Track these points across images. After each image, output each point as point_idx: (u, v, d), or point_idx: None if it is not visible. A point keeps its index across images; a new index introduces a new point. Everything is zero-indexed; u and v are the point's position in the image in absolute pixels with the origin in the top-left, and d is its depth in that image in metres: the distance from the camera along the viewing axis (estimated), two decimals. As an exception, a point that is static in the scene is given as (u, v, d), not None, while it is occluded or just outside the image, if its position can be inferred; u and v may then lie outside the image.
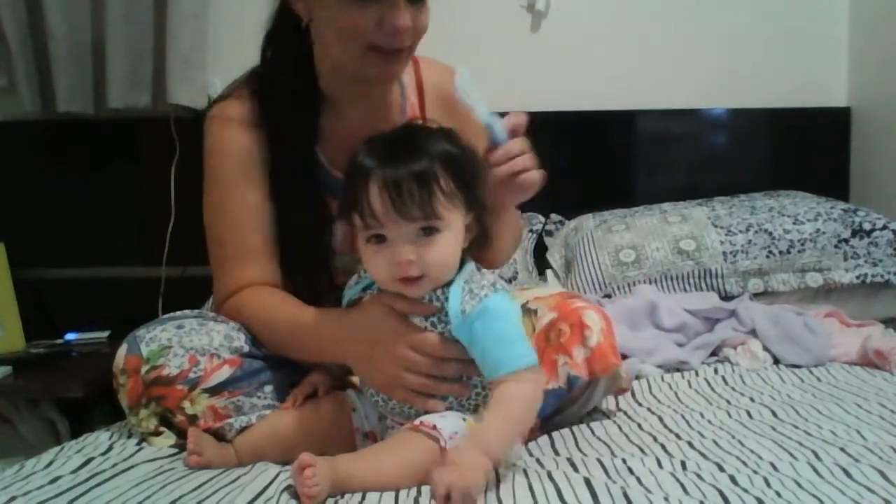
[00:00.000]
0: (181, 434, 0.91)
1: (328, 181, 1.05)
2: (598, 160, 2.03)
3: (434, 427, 0.79)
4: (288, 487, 0.76)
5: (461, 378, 0.85)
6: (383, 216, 0.79)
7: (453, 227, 0.81)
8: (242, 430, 0.92)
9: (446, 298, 0.82)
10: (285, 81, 1.04)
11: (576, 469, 0.81)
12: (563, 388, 0.94)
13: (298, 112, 1.04)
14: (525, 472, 0.80)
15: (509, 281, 1.67)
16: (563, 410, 1.01)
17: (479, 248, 0.87)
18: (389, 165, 0.79)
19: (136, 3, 1.86)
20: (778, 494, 0.70)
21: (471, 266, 0.86)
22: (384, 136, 0.85)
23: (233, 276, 1.03)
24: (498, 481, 0.76)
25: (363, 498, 0.74)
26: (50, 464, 0.87)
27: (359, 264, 0.89)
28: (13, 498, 0.75)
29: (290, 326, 0.94)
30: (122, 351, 0.93)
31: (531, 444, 0.93)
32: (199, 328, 0.95)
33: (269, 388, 0.96)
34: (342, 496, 0.74)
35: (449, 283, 0.83)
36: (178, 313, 1.00)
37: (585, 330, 0.93)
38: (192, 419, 0.91)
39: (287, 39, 1.04)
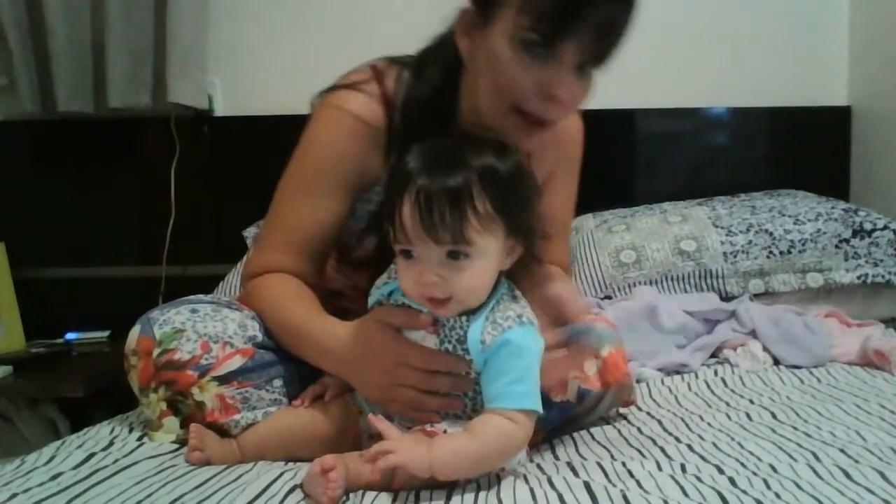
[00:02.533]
0: (186, 421, 0.90)
1: None
2: (598, 160, 2.02)
3: (444, 433, 0.79)
4: (293, 487, 0.76)
5: (453, 393, 0.83)
6: (413, 234, 0.76)
7: (488, 253, 0.77)
8: (248, 426, 0.92)
9: (469, 325, 0.80)
10: (427, 111, 0.94)
11: (576, 473, 0.81)
12: (573, 401, 0.94)
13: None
14: (525, 476, 0.79)
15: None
16: (569, 422, 1.00)
17: (527, 270, 0.84)
18: (427, 175, 0.75)
19: (136, 2, 1.86)
20: (777, 496, 0.70)
21: (502, 290, 0.82)
22: (436, 141, 0.82)
23: (266, 256, 0.99)
24: (499, 485, 0.76)
25: (363, 497, 0.74)
26: (51, 459, 0.86)
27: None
28: (14, 494, 0.75)
29: (296, 331, 0.93)
30: (135, 332, 0.92)
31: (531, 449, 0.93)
32: (214, 314, 0.94)
33: (278, 383, 0.95)
34: (347, 497, 0.74)
35: (477, 309, 0.80)
36: (193, 297, 0.99)
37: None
38: (200, 406, 0.90)
39: (442, 69, 0.95)
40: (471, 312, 0.80)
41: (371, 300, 0.91)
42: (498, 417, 0.76)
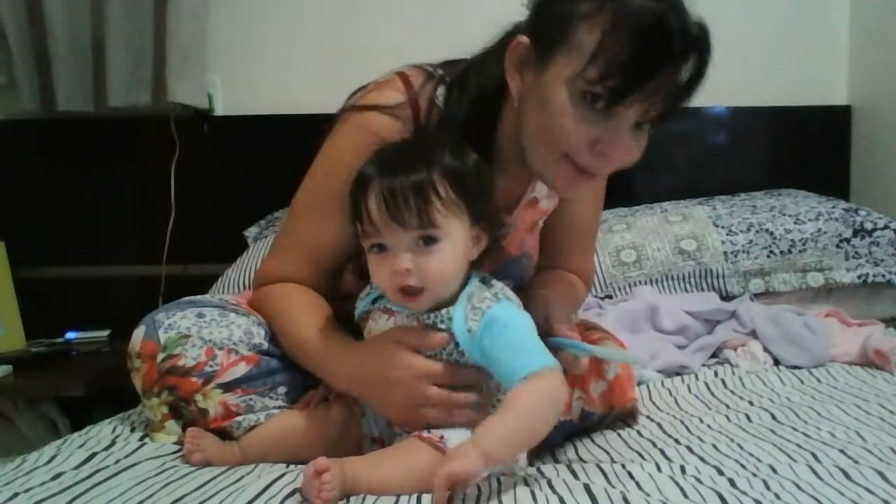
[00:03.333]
0: (188, 426, 0.90)
1: None
2: (599, 159, 2.02)
3: (441, 438, 0.79)
4: (294, 490, 0.75)
5: (480, 404, 0.83)
6: (381, 223, 0.78)
7: (454, 237, 0.79)
8: (250, 429, 0.92)
9: (450, 319, 0.80)
10: (464, 136, 0.87)
11: (576, 476, 0.81)
12: (575, 420, 0.94)
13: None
14: (525, 479, 0.79)
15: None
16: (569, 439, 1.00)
17: (491, 258, 0.84)
18: (389, 174, 0.78)
19: (136, 2, 1.86)
20: (777, 497, 0.70)
21: (475, 280, 0.83)
22: (390, 146, 0.84)
23: (283, 266, 0.99)
24: (499, 488, 0.76)
25: (363, 500, 0.74)
26: (52, 459, 0.86)
27: None
28: (15, 494, 0.74)
29: (310, 349, 0.92)
30: (140, 333, 0.91)
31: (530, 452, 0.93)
32: (220, 319, 0.93)
33: (282, 390, 0.95)
34: (347, 500, 0.74)
35: (453, 303, 0.81)
36: (199, 298, 0.98)
37: (603, 363, 0.93)
38: (203, 413, 0.90)
39: (483, 93, 0.90)
40: (449, 305, 0.81)
41: (357, 311, 0.91)
42: (524, 384, 0.74)
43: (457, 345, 0.81)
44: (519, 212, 1.00)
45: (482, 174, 0.83)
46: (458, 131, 0.88)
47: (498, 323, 0.78)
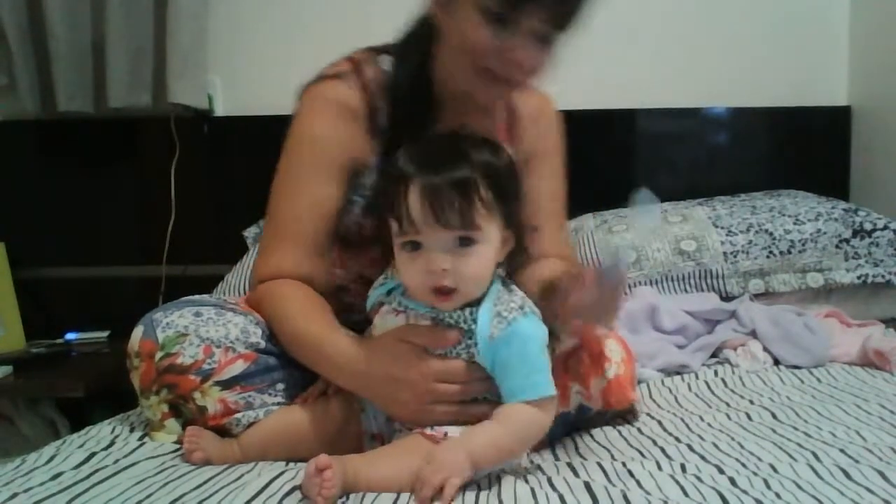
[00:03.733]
0: (188, 425, 0.90)
1: None
2: (599, 159, 2.02)
3: (445, 435, 0.80)
4: (293, 488, 0.75)
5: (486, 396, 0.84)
6: (421, 223, 0.77)
7: (490, 240, 0.79)
8: (249, 426, 0.92)
9: (474, 321, 0.81)
10: (407, 87, 1.00)
11: (576, 474, 0.81)
12: (572, 412, 0.94)
13: (414, 119, 1.00)
14: (525, 477, 0.80)
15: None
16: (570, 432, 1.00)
17: (516, 264, 0.85)
18: (430, 172, 0.77)
19: (136, 2, 1.87)
20: (777, 496, 0.70)
21: (497, 283, 0.83)
22: (426, 141, 0.84)
23: (273, 258, 1.00)
24: (499, 485, 0.76)
25: (363, 498, 0.74)
26: (51, 459, 0.86)
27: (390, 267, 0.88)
28: (15, 494, 0.75)
29: (311, 347, 0.92)
30: (138, 333, 0.91)
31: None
32: (217, 318, 0.94)
33: (281, 387, 0.95)
34: (347, 497, 0.74)
35: (477, 303, 0.81)
36: (197, 298, 0.99)
37: (605, 362, 0.93)
38: (202, 411, 0.90)
39: (422, 46, 1.01)
40: (473, 306, 0.81)
41: (370, 301, 0.91)
42: (521, 405, 0.78)
43: (468, 344, 0.81)
44: None
45: (515, 174, 0.84)
46: (410, 82, 0.99)
47: (521, 337, 0.79)
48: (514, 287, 0.85)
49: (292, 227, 0.99)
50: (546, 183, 1.13)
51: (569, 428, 0.98)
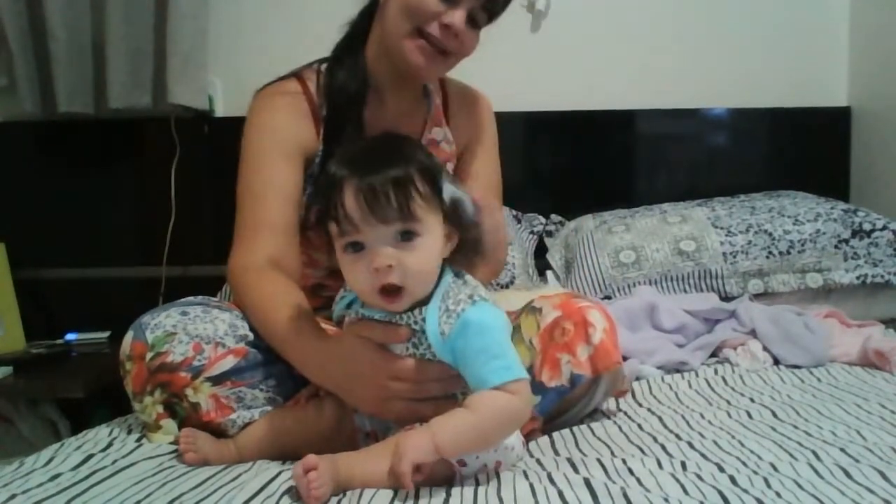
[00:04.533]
0: (183, 423, 0.91)
1: None
2: (598, 160, 2.03)
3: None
4: (290, 487, 0.76)
5: (447, 395, 0.84)
6: (360, 220, 0.76)
7: (433, 232, 0.79)
8: (245, 426, 0.92)
9: (424, 320, 0.80)
10: (342, 78, 1.11)
11: (576, 470, 0.81)
12: (566, 385, 0.94)
13: (350, 105, 1.10)
14: (525, 472, 0.79)
15: (506, 286, 1.67)
16: (564, 412, 1.01)
17: (468, 259, 0.85)
18: (364, 171, 0.77)
19: (136, 3, 1.86)
20: (778, 495, 0.70)
21: (448, 278, 0.83)
22: (358, 144, 0.85)
23: (246, 247, 1.03)
24: (499, 481, 0.76)
25: (360, 495, 0.74)
26: (50, 461, 0.86)
27: None
28: (13, 496, 0.75)
29: (281, 341, 0.94)
30: (129, 338, 0.93)
31: (531, 445, 0.93)
32: (204, 315, 0.95)
33: (272, 382, 0.96)
34: (343, 494, 0.74)
35: (427, 302, 0.81)
36: (183, 300, 1.00)
37: (589, 328, 0.93)
38: (195, 407, 0.91)
39: (354, 39, 1.15)
40: (423, 304, 0.81)
41: (335, 315, 0.93)
42: (494, 392, 0.76)
43: (427, 344, 0.81)
44: None
45: (448, 173, 0.86)
46: (339, 79, 1.09)
47: (472, 326, 0.78)
48: (468, 277, 0.84)
49: (261, 214, 1.05)
50: (481, 162, 1.24)
51: (562, 402, 0.97)
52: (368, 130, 1.11)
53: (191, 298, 1.01)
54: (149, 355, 0.91)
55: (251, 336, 0.96)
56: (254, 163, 1.08)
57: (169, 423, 0.92)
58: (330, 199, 0.78)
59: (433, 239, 0.79)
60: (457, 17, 1.01)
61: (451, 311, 0.79)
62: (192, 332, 0.92)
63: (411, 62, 1.05)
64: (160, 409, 0.92)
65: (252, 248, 1.03)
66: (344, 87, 1.10)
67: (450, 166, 1.21)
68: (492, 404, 0.76)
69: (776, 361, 1.37)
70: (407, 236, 0.77)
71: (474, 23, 1.04)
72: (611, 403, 1.10)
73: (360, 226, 0.77)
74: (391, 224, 0.77)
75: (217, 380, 0.91)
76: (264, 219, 1.04)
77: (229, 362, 0.92)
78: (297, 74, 1.15)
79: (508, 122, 2.02)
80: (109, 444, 0.93)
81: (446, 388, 0.83)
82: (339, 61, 1.12)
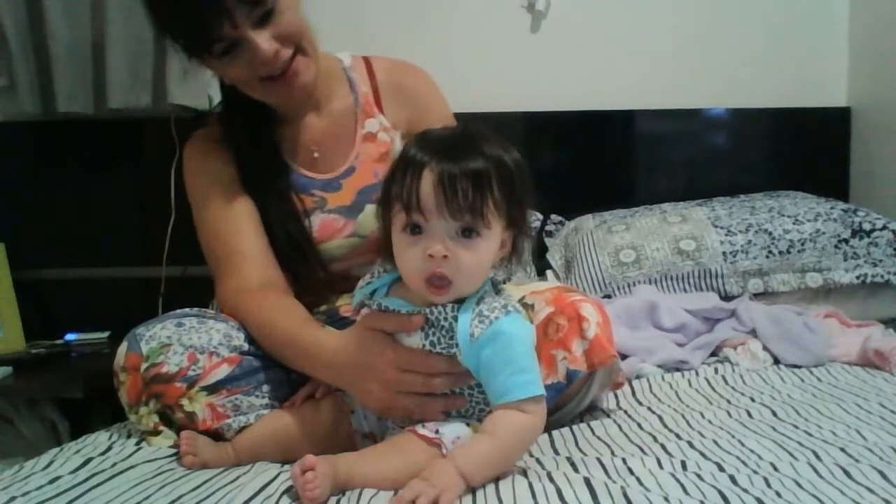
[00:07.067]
0: (181, 432, 0.91)
1: (297, 180, 1.15)
2: (598, 160, 2.03)
3: (436, 432, 0.80)
4: (289, 488, 0.76)
5: (455, 391, 0.84)
6: (430, 207, 0.75)
7: (493, 237, 0.79)
8: (241, 429, 0.93)
9: (454, 317, 0.80)
10: (240, 106, 1.12)
11: (575, 469, 0.81)
12: (563, 382, 0.94)
13: (257, 129, 1.14)
14: (525, 471, 0.79)
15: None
16: (561, 407, 1.01)
17: (507, 265, 0.85)
18: (446, 160, 0.76)
19: (136, 2, 1.86)
20: (778, 494, 0.70)
21: (486, 284, 0.83)
22: (440, 132, 0.83)
23: (227, 282, 1.05)
24: (498, 480, 0.76)
25: (360, 496, 0.74)
26: (49, 464, 0.87)
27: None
28: (13, 498, 0.75)
29: (287, 345, 0.94)
30: (123, 349, 0.94)
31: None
32: (199, 326, 0.95)
33: (267, 388, 0.97)
34: (343, 494, 0.74)
35: (462, 301, 0.80)
36: (179, 311, 1.00)
37: (583, 322, 0.93)
38: (191, 417, 0.91)
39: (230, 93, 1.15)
40: (457, 303, 0.80)
41: (354, 300, 0.92)
42: (510, 412, 0.76)
43: (449, 344, 0.81)
44: (359, 147, 1.19)
45: (525, 173, 0.82)
46: (243, 108, 1.12)
47: (504, 336, 0.78)
48: (502, 288, 0.85)
49: (222, 249, 1.06)
50: (434, 117, 1.19)
51: (560, 396, 0.97)
52: (289, 147, 1.16)
53: (186, 310, 1.02)
54: (143, 366, 0.91)
55: (246, 346, 0.97)
56: (201, 205, 1.12)
57: (167, 430, 0.93)
58: (405, 181, 0.77)
59: (492, 243, 0.79)
60: (257, 50, 0.99)
61: (486, 316, 0.79)
62: (186, 343, 0.92)
63: (277, 102, 1.10)
64: (156, 418, 0.92)
65: (239, 275, 1.04)
66: (248, 119, 1.13)
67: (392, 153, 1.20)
68: (511, 425, 0.76)
69: (776, 361, 1.37)
70: (468, 234, 0.77)
71: (263, 22, 1.00)
72: (610, 401, 1.10)
73: (428, 213, 0.76)
74: (459, 220, 0.76)
75: (212, 389, 0.91)
76: (231, 250, 1.06)
77: (223, 371, 0.93)
78: (212, 117, 1.20)
79: (508, 122, 2.04)
80: (109, 448, 0.93)
81: (454, 382, 0.83)
82: (231, 126, 1.15)
